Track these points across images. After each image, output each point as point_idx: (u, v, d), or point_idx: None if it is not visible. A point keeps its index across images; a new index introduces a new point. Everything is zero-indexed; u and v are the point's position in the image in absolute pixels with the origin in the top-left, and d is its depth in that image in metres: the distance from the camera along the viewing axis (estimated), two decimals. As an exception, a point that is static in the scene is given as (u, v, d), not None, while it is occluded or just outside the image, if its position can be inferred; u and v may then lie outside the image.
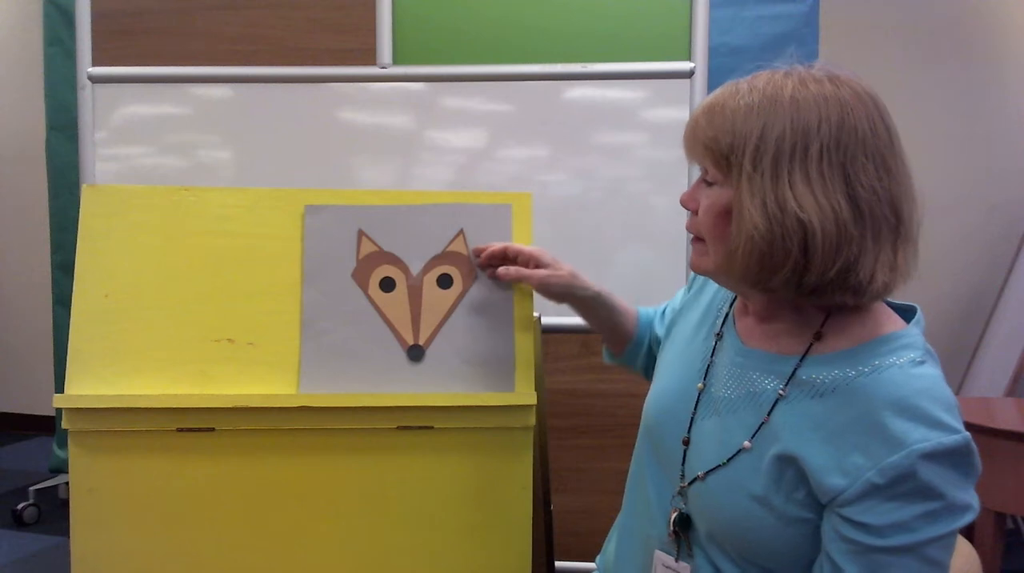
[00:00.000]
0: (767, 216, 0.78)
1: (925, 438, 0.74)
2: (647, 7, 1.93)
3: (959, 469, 0.75)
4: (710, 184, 0.86)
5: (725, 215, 0.83)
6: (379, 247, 1.19)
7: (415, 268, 1.19)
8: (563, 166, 1.94)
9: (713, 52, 1.94)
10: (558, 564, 1.72)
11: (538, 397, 1.17)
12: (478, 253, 1.19)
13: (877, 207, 0.78)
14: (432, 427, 1.16)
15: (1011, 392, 2.75)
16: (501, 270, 1.16)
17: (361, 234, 1.19)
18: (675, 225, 1.93)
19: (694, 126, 0.87)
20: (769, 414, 0.85)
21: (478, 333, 1.18)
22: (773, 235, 0.78)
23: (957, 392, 3.01)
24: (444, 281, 1.19)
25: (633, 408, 1.96)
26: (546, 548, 1.51)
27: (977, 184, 3.22)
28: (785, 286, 0.81)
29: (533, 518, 1.20)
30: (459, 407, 1.15)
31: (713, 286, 1.06)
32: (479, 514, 1.17)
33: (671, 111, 1.91)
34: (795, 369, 0.85)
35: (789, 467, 0.82)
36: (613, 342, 1.22)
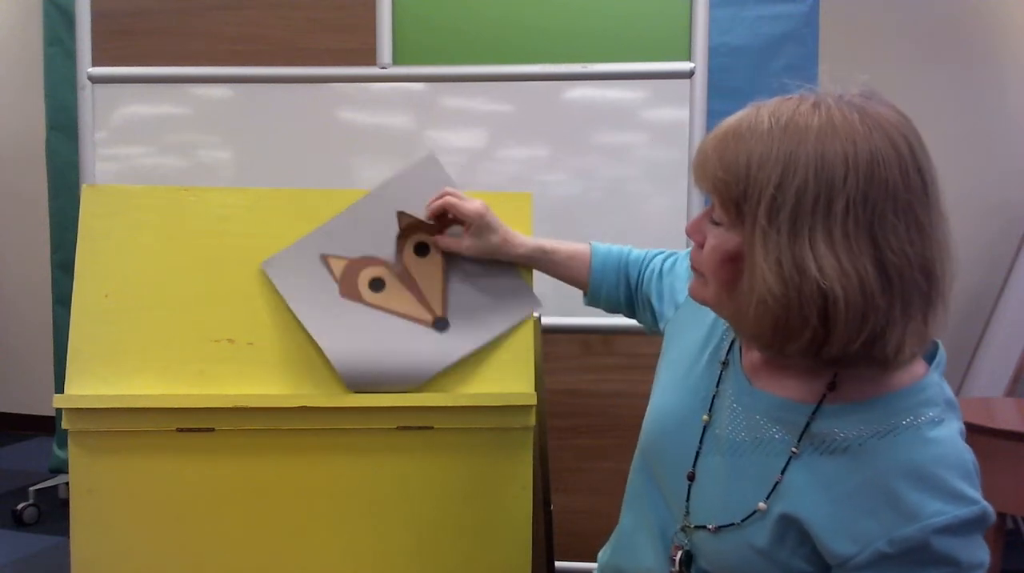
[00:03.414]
0: (783, 279, 0.70)
1: (940, 512, 0.70)
2: (647, 7, 1.93)
3: (974, 535, 0.72)
4: (717, 223, 0.78)
5: (730, 261, 0.76)
6: (348, 258, 1.19)
7: (390, 257, 1.19)
8: (563, 166, 1.94)
9: (713, 52, 1.93)
10: (558, 564, 1.72)
11: (538, 397, 1.17)
12: (431, 215, 1.18)
13: (908, 272, 0.70)
14: (432, 427, 1.16)
15: (1011, 392, 2.75)
16: (436, 239, 1.17)
17: (325, 258, 1.19)
18: (675, 225, 1.93)
19: (704, 159, 0.77)
20: (783, 473, 0.80)
21: (482, 276, 1.19)
22: (789, 301, 0.70)
23: (957, 392, 3.01)
24: (422, 250, 1.20)
25: (633, 408, 1.95)
26: (546, 548, 1.51)
27: (977, 184, 3.22)
28: (802, 355, 0.73)
29: (533, 518, 1.20)
30: (459, 407, 1.15)
31: None
32: (479, 514, 1.17)
33: (671, 111, 1.91)
34: (807, 424, 0.79)
35: (792, 527, 0.79)
36: (578, 286, 1.22)
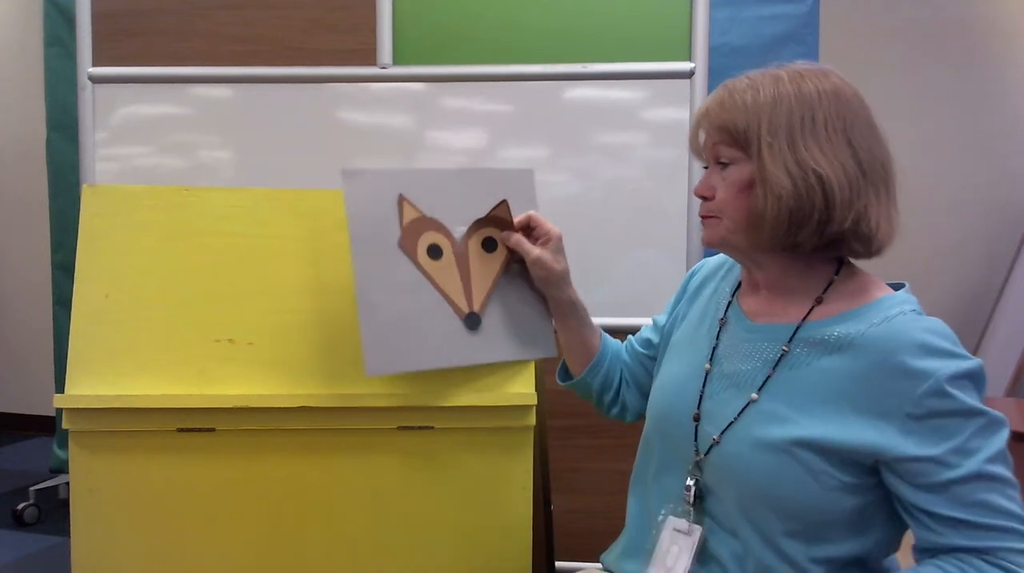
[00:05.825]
0: (791, 177, 0.87)
1: (946, 366, 0.82)
2: (647, 7, 1.93)
3: (980, 390, 0.85)
4: (726, 166, 0.94)
5: (747, 188, 0.91)
6: (421, 213, 1.15)
7: (458, 234, 1.16)
8: (563, 166, 1.94)
9: (713, 52, 1.94)
10: (558, 564, 1.72)
11: (538, 397, 1.17)
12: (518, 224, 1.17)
13: (875, 165, 0.89)
14: (432, 427, 1.16)
15: (1011, 392, 2.75)
16: (506, 234, 1.16)
17: (402, 200, 1.15)
18: (675, 225, 1.93)
19: (707, 116, 0.95)
20: (775, 368, 0.92)
21: (523, 297, 1.18)
22: (799, 191, 0.87)
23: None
24: (489, 244, 1.17)
25: (633, 408, 1.94)
26: (546, 548, 1.51)
27: (977, 185, 3.22)
28: (810, 238, 0.89)
29: (533, 518, 1.20)
30: (459, 407, 1.15)
31: (711, 286, 1.08)
32: (479, 514, 1.17)
33: (671, 111, 1.91)
34: (797, 327, 0.92)
35: (812, 451, 0.86)
36: (574, 358, 1.20)
